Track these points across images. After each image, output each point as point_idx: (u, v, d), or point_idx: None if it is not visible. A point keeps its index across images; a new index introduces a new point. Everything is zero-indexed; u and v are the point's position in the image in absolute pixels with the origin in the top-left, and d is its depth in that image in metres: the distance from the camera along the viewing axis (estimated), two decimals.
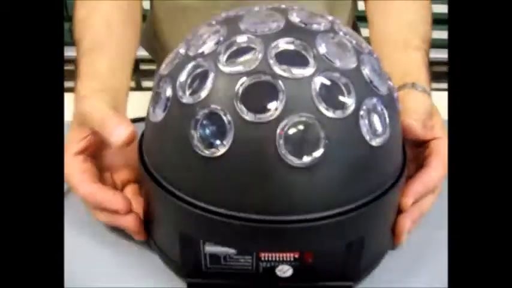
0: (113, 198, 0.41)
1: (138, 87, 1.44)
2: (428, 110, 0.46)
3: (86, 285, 0.41)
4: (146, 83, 1.44)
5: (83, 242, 0.45)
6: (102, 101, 0.44)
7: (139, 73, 1.42)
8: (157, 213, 0.40)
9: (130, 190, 0.45)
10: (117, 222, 0.42)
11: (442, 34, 1.24)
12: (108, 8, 0.55)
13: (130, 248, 0.44)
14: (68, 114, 0.45)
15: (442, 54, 1.21)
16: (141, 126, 0.42)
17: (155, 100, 0.38)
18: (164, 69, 0.38)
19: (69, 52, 0.53)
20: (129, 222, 0.42)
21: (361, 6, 0.68)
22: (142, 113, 0.44)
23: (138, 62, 1.39)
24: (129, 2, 0.58)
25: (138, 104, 0.50)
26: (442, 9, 1.06)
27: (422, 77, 0.50)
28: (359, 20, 0.75)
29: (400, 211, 0.42)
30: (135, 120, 0.62)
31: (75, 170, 0.43)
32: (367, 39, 0.62)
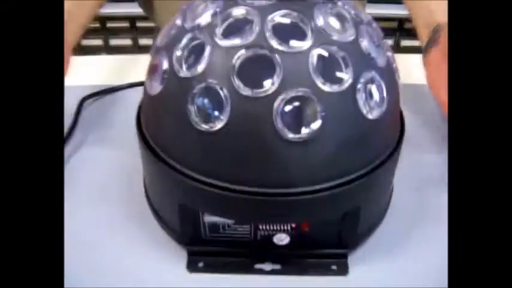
0: None
1: (135, 45, 1.42)
2: None
3: (86, 267, 0.41)
4: (143, 41, 1.41)
5: (83, 207, 0.46)
6: None
7: (136, 31, 1.39)
8: (156, 184, 0.41)
9: None
10: None
11: None
12: None
13: (131, 216, 0.45)
14: None
15: None
16: (140, 89, 0.42)
17: (152, 72, 0.38)
18: (160, 41, 0.38)
19: None
20: None
21: None
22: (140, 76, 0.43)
23: (134, 19, 1.37)
24: None
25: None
26: None
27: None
28: None
29: None
30: (134, 85, 0.62)
31: None
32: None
